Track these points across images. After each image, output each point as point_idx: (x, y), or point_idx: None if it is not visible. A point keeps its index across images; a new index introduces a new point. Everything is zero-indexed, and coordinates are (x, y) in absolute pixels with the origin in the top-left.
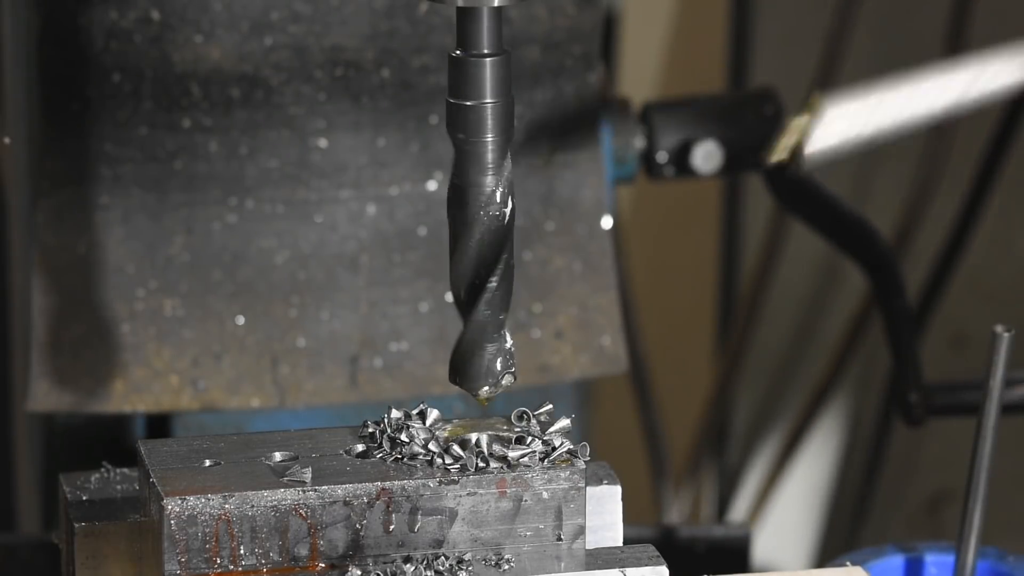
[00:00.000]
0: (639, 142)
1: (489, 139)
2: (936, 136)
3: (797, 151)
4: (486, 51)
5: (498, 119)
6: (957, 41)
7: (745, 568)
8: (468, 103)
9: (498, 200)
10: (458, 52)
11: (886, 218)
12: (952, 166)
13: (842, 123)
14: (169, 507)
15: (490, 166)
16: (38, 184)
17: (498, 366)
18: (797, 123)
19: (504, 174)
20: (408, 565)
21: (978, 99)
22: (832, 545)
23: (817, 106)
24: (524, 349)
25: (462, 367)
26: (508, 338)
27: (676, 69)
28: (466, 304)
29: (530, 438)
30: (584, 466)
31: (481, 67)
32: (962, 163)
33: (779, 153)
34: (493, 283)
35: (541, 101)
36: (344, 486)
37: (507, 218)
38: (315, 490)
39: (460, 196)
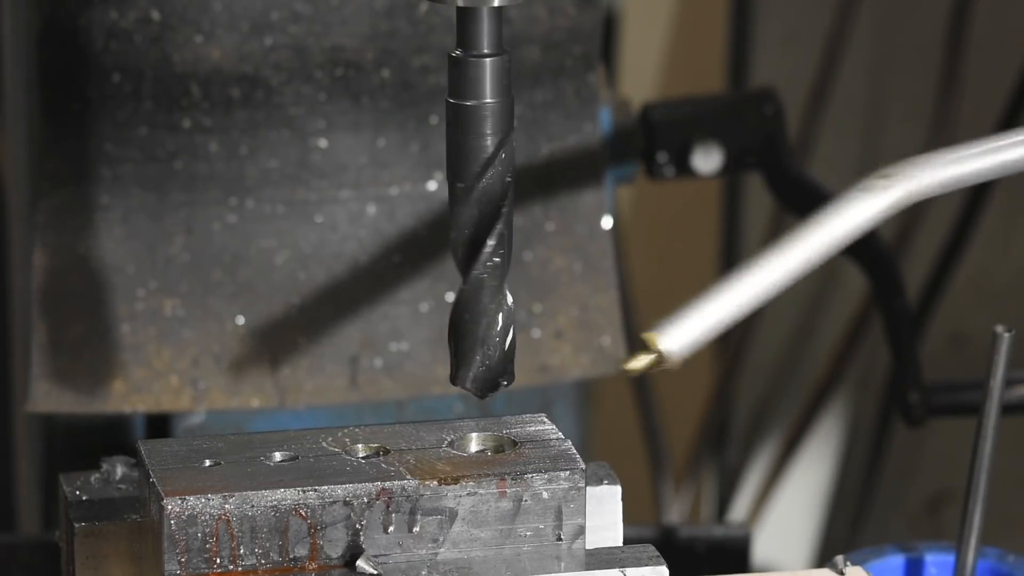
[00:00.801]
0: (639, 142)
1: (488, 140)
2: (935, 135)
3: (658, 361)
4: (486, 51)
5: (498, 119)
6: (957, 41)
7: (745, 568)
8: (468, 103)
9: (499, 165)
10: (458, 52)
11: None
12: None
13: (695, 328)
14: (169, 507)
15: (489, 132)
16: (38, 184)
17: (498, 326)
18: (640, 360)
19: (505, 163)
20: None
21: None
22: (832, 545)
23: (653, 343)
24: (524, 349)
25: (460, 339)
26: (509, 297)
27: (676, 69)
28: (464, 262)
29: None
30: (584, 466)
31: (481, 67)
32: None
33: (636, 366)
34: (491, 244)
35: (541, 101)
36: (344, 486)
37: (507, 181)
38: (315, 490)
39: (460, 155)
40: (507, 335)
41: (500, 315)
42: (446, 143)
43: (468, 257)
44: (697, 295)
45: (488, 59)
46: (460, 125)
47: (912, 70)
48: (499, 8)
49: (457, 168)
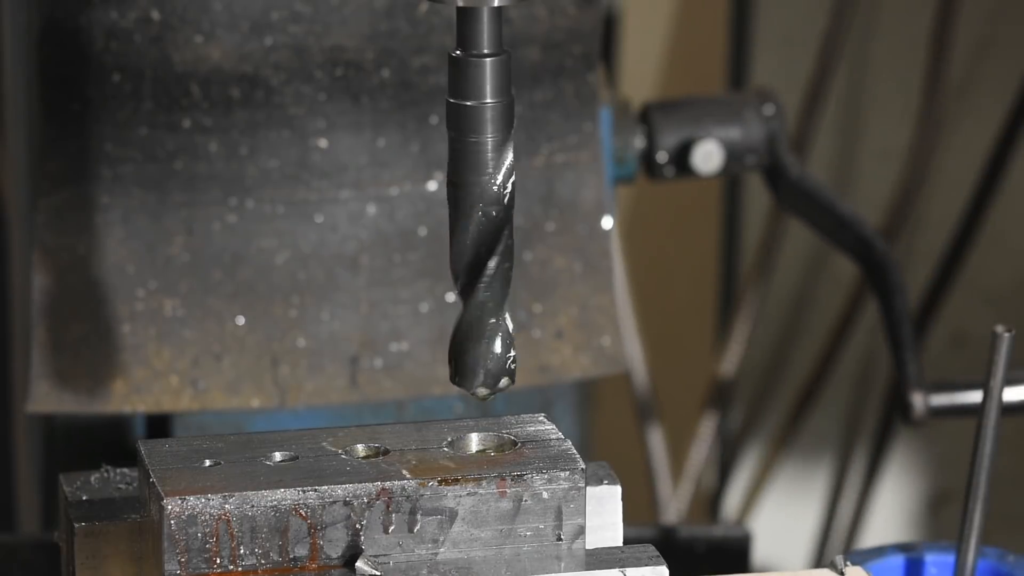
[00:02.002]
0: (639, 142)
1: (489, 139)
2: (922, 135)
3: None
4: (486, 51)
5: (498, 119)
6: (941, 43)
7: (745, 568)
8: (468, 103)
9: (496, 189)
10: (458, 52)
11: (876, 217)
12: (941, 165)
13: None
14: (169, 507)
15: (490, 161)
16: (38, 184)
17: (497, 347)
18: None
19: (504, 165)
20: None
21: None
22: (832, 545)
23: None
24: (524, 349)
25: (460, 357)
26: (509, 322)
27: (676, 69)
28: (465, 285)
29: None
30: (584, 466)
31: (481, 67)
32: (951, 162)
33: None
34: (492, 265)
35: (541, 101)
36: (344, 486)
37: (508, 199)
38: (315, 490)
39: (458, 189)
40: (507, 372)
41: (499, 341)
42: (448, 144)
43: (470, 280)
44: None
45: (488, 59)
46: (460, 125)
47: (910, 70)
48: (499, 8)
49: (458, 170)
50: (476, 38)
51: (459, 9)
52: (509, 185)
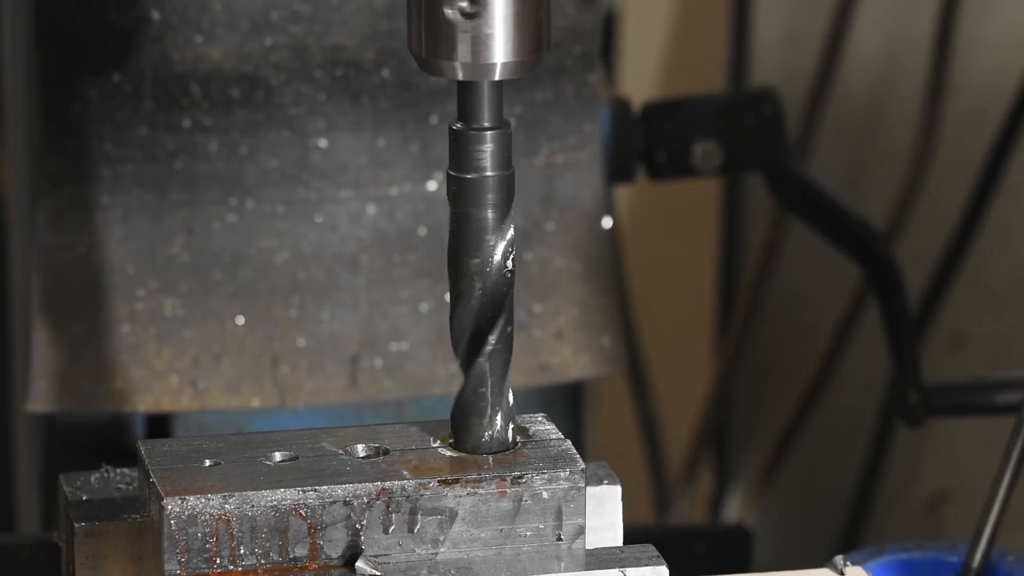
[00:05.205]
0: (639, 142)
1: (490, 212)
2: (923, 136)
3: None
4: (487, 124)
5: (499, 192)
6: (945, 42)
7: (745, 568)
8: (468, 176)
9: (497, 266)
10: (459, 125)
11: (878, 217)
12: (939, 165)
13: None
14: (169, 507)
15: (491, 235)
16: (38, 184)
17: (498, 423)
18: None
19: (505, 239)
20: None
21: None
22: (832, 545)
23: None
24: (524, 349)
25: (461, 430)
26: (511, 396)
27: (676, 69)
28: (466, 357)
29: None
30: (584, 466)
31: (482, 140)
32: (950, 162)
33: None
34: (493, 338)
35: (541, 101)
36: (344, 486)
37: (509, 276)
38: (315, 490)
39: (459, 258)
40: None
41: (500, 416)
42: (450, 217)
43: (471, 352)
44: None
45: (489, 132)
46: (461, 198)
47: (910, 70)
48: (499, 82)
49: (459, 244)
50: (477, 111)
51: (459, 83)
52: (509, 262)
